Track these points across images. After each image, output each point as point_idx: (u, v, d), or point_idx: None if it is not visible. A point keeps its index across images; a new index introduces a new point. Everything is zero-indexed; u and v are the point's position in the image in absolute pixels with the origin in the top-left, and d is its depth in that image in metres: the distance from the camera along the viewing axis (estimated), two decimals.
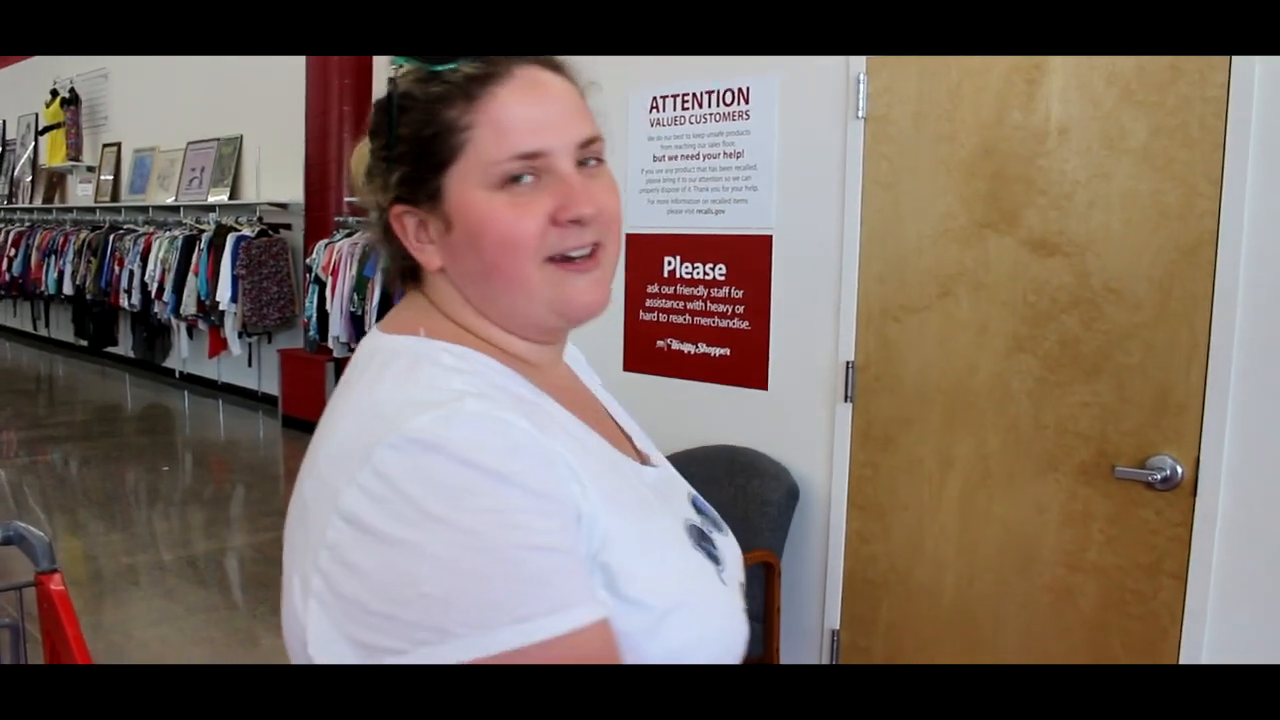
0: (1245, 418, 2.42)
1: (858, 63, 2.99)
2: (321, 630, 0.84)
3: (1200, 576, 2.49)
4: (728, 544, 1.06)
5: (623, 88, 3.54)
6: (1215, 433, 2.44)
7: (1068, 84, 2.62)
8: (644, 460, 1.09)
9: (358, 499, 0.83)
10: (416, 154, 0.94)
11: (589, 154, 0.97)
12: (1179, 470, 2.49)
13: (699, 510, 1.08)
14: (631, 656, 0.87)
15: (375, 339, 1.00)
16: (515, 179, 0.93)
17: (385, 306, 6.60)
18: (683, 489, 1.10)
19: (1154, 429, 2.54)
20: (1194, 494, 2.48)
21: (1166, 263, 2.49)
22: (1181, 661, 2.51)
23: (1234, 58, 2.35)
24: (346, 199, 7.68)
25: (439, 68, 0.93)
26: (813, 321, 3.18)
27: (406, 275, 1.04)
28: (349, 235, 7.51)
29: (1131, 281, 2.54)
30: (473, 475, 0.81)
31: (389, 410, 0.86)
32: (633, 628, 0.88)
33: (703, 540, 1.01)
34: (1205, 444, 2.46)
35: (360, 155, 1.03)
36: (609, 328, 3.72)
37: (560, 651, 0.80)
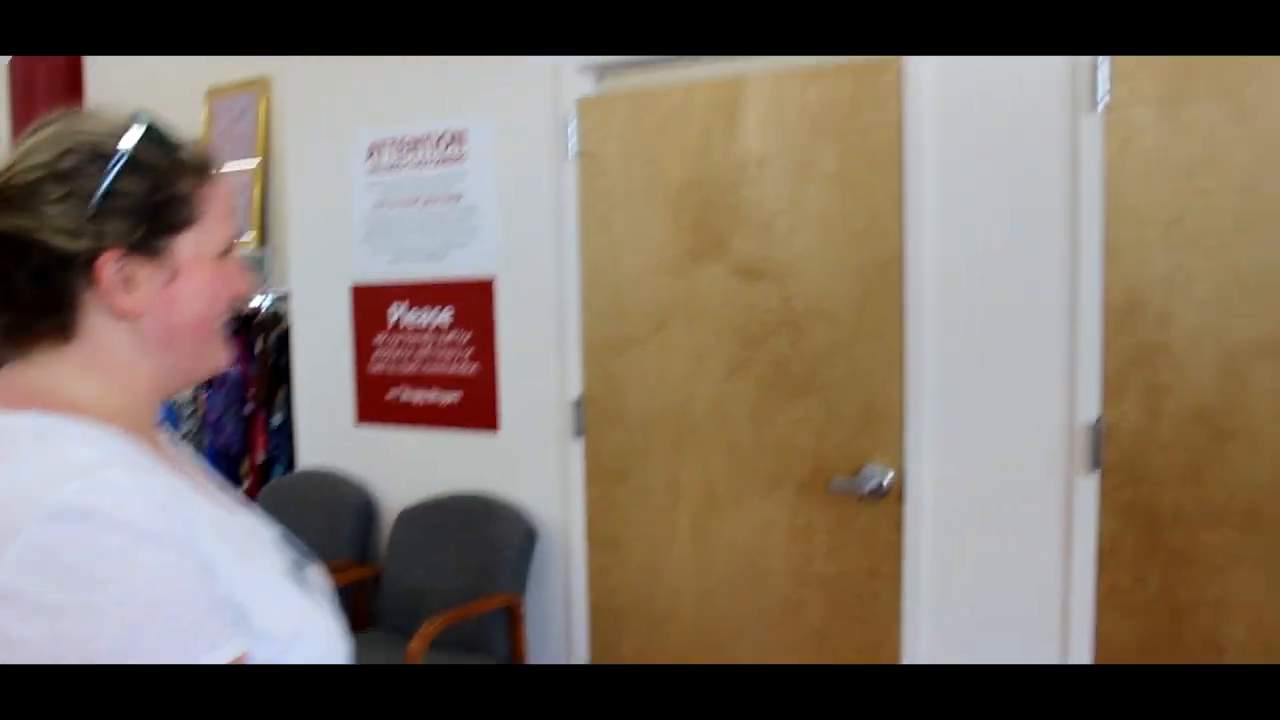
0: (945, 425, 2.57)
1: (567, 102, 3.03)
2: None
3: (913, 578, 2.61)
4: (316, 573, 1.18)
5: (338, 137, 3.48)
6: (917, 441, 2.59)
7: (766, 116, 2.73)
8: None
9: (12, 577, 0.84)
10: (148, 213, 1.00)
11: None
12: (887, 479, 2.62)
13: (291, 546, 1.17)
14: None
15: None
16: (225, 253, 1.07)
17: None
18: (271, 532, 1.18)
19: (863, 441, 2.66)
20: (901, 500, 2.61)
21: (862, 282, 2.63)
22: (904, 659, 2.63)
23: (905, 87, 2.52)
24: None
25: (176, 145, 1.04)
26: (539, 360, 3.19)
27: (20, 332, 0.99)
28: None
29: (831, 302, 2.67)
30: (126, 537, 0.87)
31: (31, 486, 0.88)
32: (264, 657, 0.98)
33: (299, 574, 1.11)
34: (909, 452, 2.60)
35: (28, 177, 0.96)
36: (338, 382, 3.61)
37: None
